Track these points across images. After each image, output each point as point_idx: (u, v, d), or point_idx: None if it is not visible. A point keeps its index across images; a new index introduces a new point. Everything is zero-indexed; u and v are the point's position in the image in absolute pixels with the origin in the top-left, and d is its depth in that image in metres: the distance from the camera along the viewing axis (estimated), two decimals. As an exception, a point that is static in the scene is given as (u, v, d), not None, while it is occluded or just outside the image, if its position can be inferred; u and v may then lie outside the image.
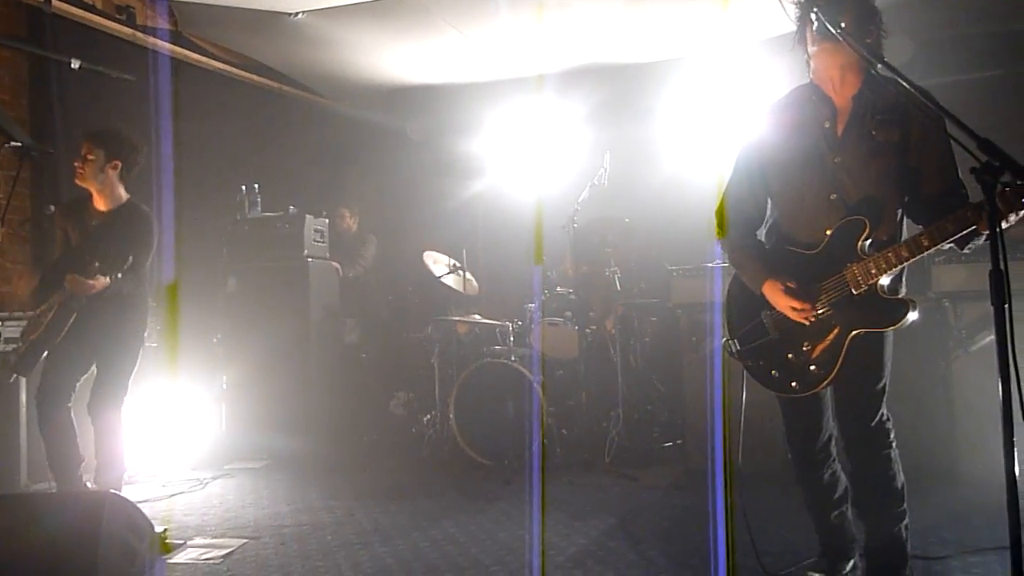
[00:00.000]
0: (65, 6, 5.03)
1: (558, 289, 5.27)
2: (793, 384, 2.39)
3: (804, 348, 2.37)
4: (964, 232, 2.08)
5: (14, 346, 3.92)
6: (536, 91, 6.18)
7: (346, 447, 5.42)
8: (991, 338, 3.94)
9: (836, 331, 2.32)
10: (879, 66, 2.08)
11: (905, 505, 2.43)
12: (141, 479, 4.70)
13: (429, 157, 7.00)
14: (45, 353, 3.74)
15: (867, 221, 2.26)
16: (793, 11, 2.43)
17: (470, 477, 4.63)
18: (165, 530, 3.56)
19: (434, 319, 5.40)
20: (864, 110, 2.32)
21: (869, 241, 2.27)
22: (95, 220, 3.86)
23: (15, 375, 3.88)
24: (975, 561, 2.89)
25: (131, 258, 3.71)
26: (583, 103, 6.14)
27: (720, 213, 2.60)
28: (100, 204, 3.88)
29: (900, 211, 2.35)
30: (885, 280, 2.25)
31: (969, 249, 2.21)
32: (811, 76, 2.44)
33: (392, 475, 4.85)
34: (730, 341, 2.53)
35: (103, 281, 3.64)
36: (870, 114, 2.31)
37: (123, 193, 3.92)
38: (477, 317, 5.32)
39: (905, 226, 2.40)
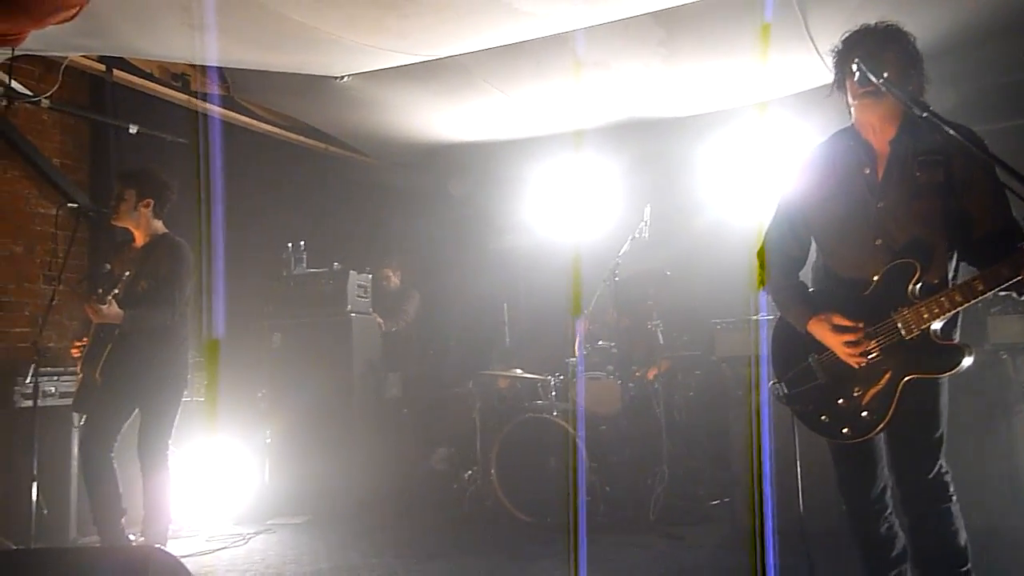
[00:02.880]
0: (125, 75, 5.28)
1: (600, 343, 5.24)
2: (844, 430, 2.33)
3: (855, 393, 2.31)
4: (1020, 277, 2.02)
5: (71, 400, 4.01)
6: (575, 146, 6.25)
7: (388, 503, 5.39)
8: (1052, 391, 3.82)
9: (888, 376, 2.25)
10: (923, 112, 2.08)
11: (969, 565, 2.31)
12: (185, 533, 4.72)
13: (470, 212, 7.10)
14: (95, 391, 3.78)
15: (918, 264, 2.22)
16: (831, 60, 2.45)
17: (512, 534, 4.56)
18: (208, 586, 3.57)
19: (475, 373, 5.40)
20: (905, 153, 2.31)
21: (920, 284, 2.22)
22: (132, 255, 3.97)
23: (78, 415, 3.95)
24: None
25: (164, 288, 3.78)
26: (622, 157, 6.19)
27: (761, 256, 2.59)
28: (138, 240, 4.01)
29: (950, 254, 2.30)
30: (937, 325, 2.19)
31: None
32: (852, 122, 2.44)
33: (434, 532, 4.80)
34: (778, 384, 2.47)
35: (113, 309, 3.66)
36: (911, 157, 2.30)
37: (159, 227, 4.03)
38: (518, 371, 5.30)
39: (958, 270, 2.34)
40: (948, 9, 4.49)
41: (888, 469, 2.42)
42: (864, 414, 2.29)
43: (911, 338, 2.21)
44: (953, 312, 2.17)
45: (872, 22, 2.40)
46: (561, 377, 5.13)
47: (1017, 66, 5.12)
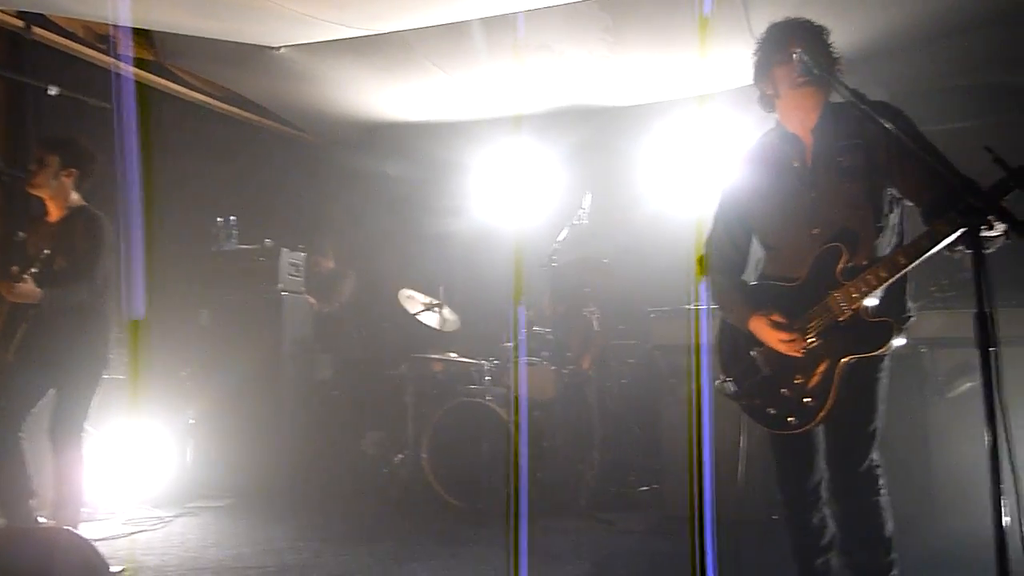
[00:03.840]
0: (46, 33, 4.99)
1: (535, 328, 5.23)
2: (790, 419, 2.35)
3: (796, 382, 2.34)
4: (939, 247, 2.05)
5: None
6: (517, 130, 6.20)
7: (316, 486, 5.28)
8: (969, 385, 3.97)
9: (827, 361, 2.29)
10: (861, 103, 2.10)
11: (894, 555, 2.38)
12: (100, 516, 4.53)
13: (408, 194, 6.99)
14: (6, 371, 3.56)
15: (843, 247, 2.27)
16: (756, 48, 2.45)
17: (443, 519, 4.52)
18: (123, 570, 3.42)
19: (409, 357, 5.32)
20: (827, 140, 2.36)
21: (849, 266, 2.26)
22: (48, 229, 3.72)
23: None
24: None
25: (81, 264, 3.57)
26: (564, 143, 6.17)
27: (704, 261, 2.63)
28: (53, 214, 3.75)
29: (882, 235, 2.32)
30: (870, 302, 2.23)
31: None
32: (778, 119, 2.46)
33: (362, 516, 4.72)
34: (725, 382, 2.50)
35: (28, 287, 3.45)
36: (834, 143, 2.34)
37: (77, 200, 3.77)
38: (453, 355, 5.25)
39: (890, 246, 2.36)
40: (883, 11, 4.61)
41: (824, 461, 2.46)
42: (807, 400, 2.32)
43: (844, 319, 2.25)
44: (881, 286, 2.19)
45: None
46: (496, 362, 5.10)
47: (950, 71, 5.29)
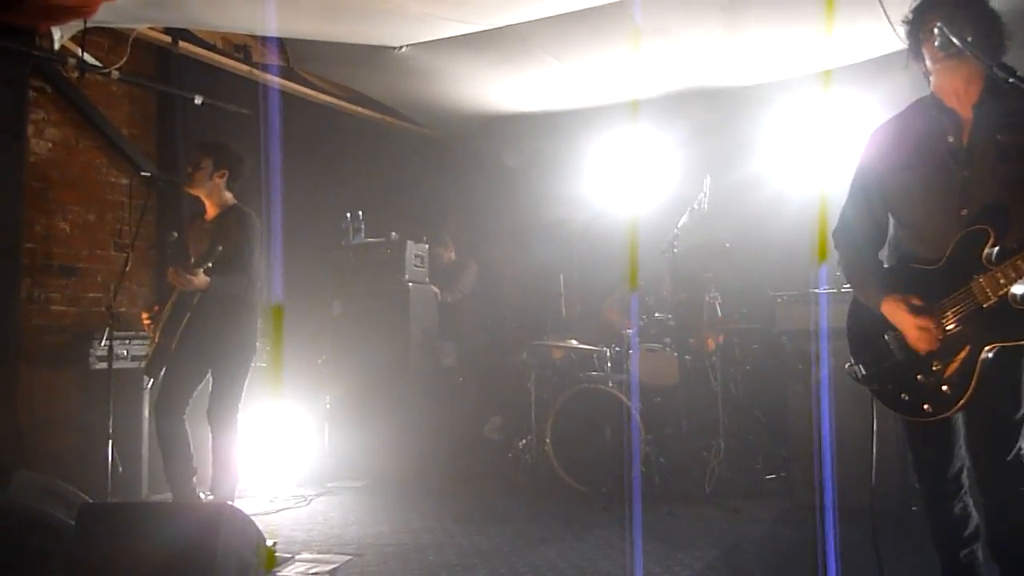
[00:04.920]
0: (190, 47, 5.38)
1: (656, 315, 5.21)
2: (925, 407, 2.26)
3: (934, 368, 2.24)
4: None
5: (143, 363, 4.15)
6: (634, 116, 6.17)
7: (444, 469, 5.48)
8: None
9: (967, 348, 2.17)
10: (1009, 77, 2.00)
11: None
12: (250, 494, 4.89)
13: (526, 183, 7.08)
14: (167, 358, 3.91)
15: (991, 229, 2.14)
16: (905, 28, 2.37)
17: (567, 503, 4.60)
18: (274, 544, 3.68)
19: (530, 344, 5.43)
20: (989, 118, 2.22)
21: (996, 249, 2.14)
22: (205, 226, 4.07)
23: (148, 379, 4.09)
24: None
25: (235, 257, 3.87)
26: (682, 127, 6.08)
27: (837, 234, 2.54)
28: (210, 212, 4.11)
29: None
30: (1019, 289, 2.10)
31: None
32: (932, 89, 2.36)
33: (489, 499, 4.87)
34: (855, 366, 2.41)
35: (202, 278, 3.76)
36: (995, 121, 2.21)
37: (230, 199, 4.12)
38: (574, 342, 5.31)
39: None
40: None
41: (965, 449, 2.36)
42: (944, 388, 2.22)
43: (988, 306, 2.13)
44: None
45: None
46: (617, 349, 5.12)
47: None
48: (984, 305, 2.14)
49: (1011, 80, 2.02)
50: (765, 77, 5.81)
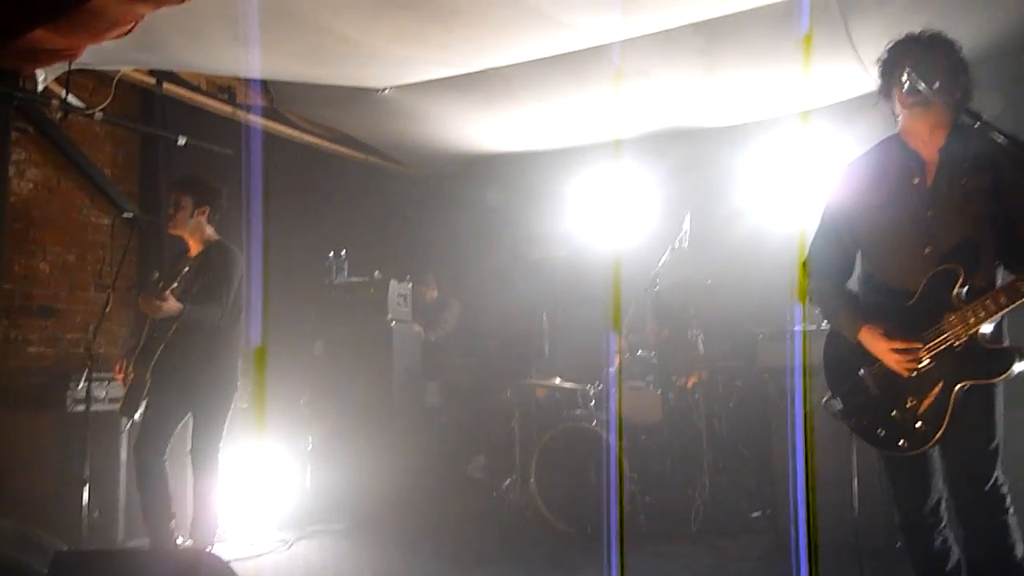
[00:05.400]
0: (174, 88, 5.41)
1: (639, 353, 5.23)
2: (901, 442, 2.30)
3: (908, 405, 2.29)
4: None
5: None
6: (614, 156, 6.25)
7: (427, 510, 5.41)
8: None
9: (940, 385, 2.23)
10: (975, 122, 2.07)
11: None
12: (230, 538, 4.79)
13: (508, 222, 7.13)
14: (145, 391, 3.84)
15: (961, 269, 2.21)
16: (877, 69, 2.45)
17: (552, 544, 4.56)
18: (255, 590, 3.62)
19: (514, 382, 5.41)
20: (952, 160, 2.31)
21: (965, 288, 2.21)
22: (188, 265, 4.02)
23: (125, 419, 4.02)
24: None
25: (213, 288, 3.85)
26: (662, 166, 6.17)
27: (806, 267, 2.60)
28: (193, 249, 4.09)
29: (997, 259, 2.29)
30: (986, 329, 2.17)
31: None
32: (899, 130, 2.43)
33: (474, 540, 4.81)
34: (832, 400, 2.45)
35: (172, 303, 3.71)
36: (960, 164, 2.29)
37: (213, 234, 4.11)
38: (557, 381, 5.30)
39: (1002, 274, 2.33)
40: (993, 14, 4.44)
41: (943, 481, 2.39)
42: (918, 425, 2.26)
43: (960, 344, 2.19)
44: (1000, 314, 2.15)
45: (916, 30, 2.40)
46: (600, 386, 5.12)
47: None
48: (956, 344, 2.20)
49: (977, 125, 2.09)
50: (743, 117, 5.93)
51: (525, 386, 5.35)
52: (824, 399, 2.49)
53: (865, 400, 2.38)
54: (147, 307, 3.76)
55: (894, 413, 2.32)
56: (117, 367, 3.99)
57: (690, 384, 5.12)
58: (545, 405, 5.36)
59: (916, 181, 2.35)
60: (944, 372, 2.23)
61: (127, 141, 5.42)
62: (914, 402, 2.28)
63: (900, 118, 2.41)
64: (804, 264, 2.62)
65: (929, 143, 2.36)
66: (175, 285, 3.76)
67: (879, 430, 2.35)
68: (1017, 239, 2.24)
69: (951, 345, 2.21)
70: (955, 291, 2.22)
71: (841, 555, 3.33)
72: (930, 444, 2.25)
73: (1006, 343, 2.28)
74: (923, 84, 2.19)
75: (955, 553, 2.42)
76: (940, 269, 2.26)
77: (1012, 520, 2.29)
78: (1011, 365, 2.15)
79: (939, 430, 2.22)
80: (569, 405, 5.21)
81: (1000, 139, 2.09)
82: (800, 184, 5.56)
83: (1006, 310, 2.14)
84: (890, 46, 2.41)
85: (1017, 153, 2.11)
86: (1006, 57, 4.71)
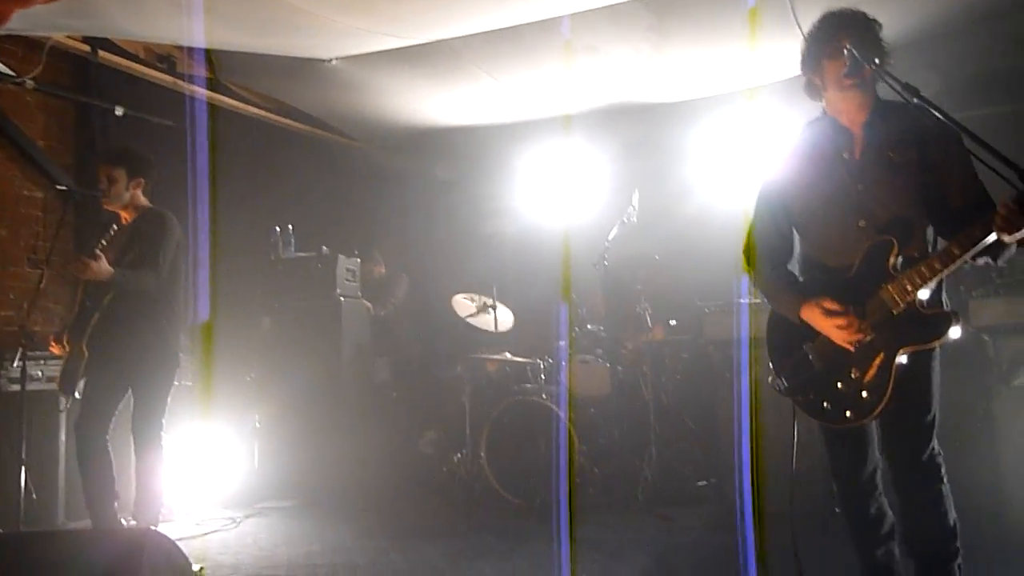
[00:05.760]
0: (110, 56, 5.22)
1: (588, 327, 5.28)
2: (848, 414, 2.35)
3: (852, 376, 2.34)
4: (991, 238, 2.07)
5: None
6: (564, 131, 6.25)
7: (377, 486, 5.41)
8: (1033, 374, 3.90)
9: (882, 354, 2.28)
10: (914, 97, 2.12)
11: (958, 543, 2.38)
12: (175, 517, 4.72)
13: (458, 197, 7.10)
14: (82, 366, 3.73)
15: (895, 239, 2.28)
16: (808, 40, 2.46)
17: (502, 516, 4.60)
18: (201, 568, 3.58)
19: (464, 357, 5.42)
20: (878, 135, 2.37)
21: (900, 259, 2.28)
22: (124, 236, 3.89)
23: (64, 396, 3.89)
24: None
25: (147, 254, 3.75)
26: (611, 142, 6.20)
27: (747, 251, 2.65)
28: (125, 218, 3.94)
29: (930, 228, 2.36)
30: (924, 294, 2.24)
31: (1004, 261, 2.22)
32: (826, 109, 2.48)
33: (424, 515, 4.83)
34: (777, 379, 2.49)
35: (104, 265, 3.59)
36: (885, 139, 2.36)
37: (145, 203, 3.97)
38: (507, 355, 5.32)
39: (936, 243, 2.40)
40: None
41: (879, 451, 2.47)
42: (864, 395, 2.31)
43: (899, 312, 2.26)
44: (935, 279, 2.21)
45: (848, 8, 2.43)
46: (550, 361, 5.16)
47: (998, 53, 5.18)
48: (894, 311, 2.26)
49: (916, 100, 2.14)
50: (692, 93, 5.97)
51: (476, 360, 5.36)
52: (769, 378, 2.53)
53: (810, 375, 2.42)
54: (76, 267, 3.63)
55: (839, 385, 2.37)
56: (52, 339, 3.87)
57: (642, 340, 5.14)
58: (496, 379, 5.38)
59: (845, 156, 2.40)
60: (885, 341, 2.28)
61: (61, 111, 5.22)
62: (858, 373, 2.33)
63: (829, 93, 2.43)
64: (745, 251, 2.66)
65: (856, 119, 2.41)
66: (104, 244, 3.63)
67: (825, 403, 2.40)
68: (949, 208, 2.30)
69: (890, 313, 2.27)
70: (891, 261, 2.28)
71: (780, 522, 3.43)
72: (876, 412, 2.30)
73: (946, 309, 2.34)
74: (864, 65, 2.23)
75: (889, 519, 2.52)
76: (875, 241, 2.32)
77: (946, 488, 2.38)
78: (947, 328, 2.21)
79: (884, 398, 2.27)
80: (520, 379, 5.24)
81: (935, 113, 2.14)
82: (747, 160, 5.65)
83: (941, 275, 2.20)
84: (825, 21, 2.41)
85: (945, 126, 2.16)
86: (942, 39, 4.84)
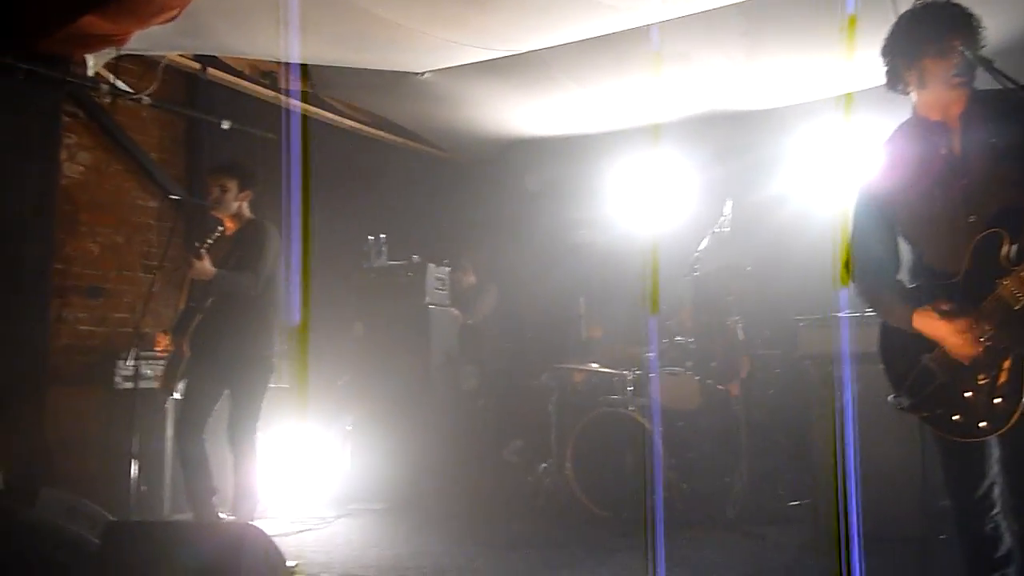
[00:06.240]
0: (218, 73, 5.50)
1: (677, 339, 5.19)
2: (982, 424, 2.19)
3: (981, 382, 2.18)
4: None
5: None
6: (654, 140, 6.19)
7: (463, 493, 5.46)
8: None
9: (1011, 357, 2.12)
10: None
11: None
12: (271, 515, 4.89)
13: (547, 207, 7.11)
14: (183, 364, 3.92)
15: (1003, 231, 2.13)
16: (905, 36, 2.33)
17: (587, 529, 4.57)
18: (296, 565, 3.69)
19: (551, 367, 5.42)
20: (977, 125, 2.23)
21: (1015, 248, 2.11)
22: (227, 244, 4.07)
23: (166, 393, 4.10)
24: None
25: (248, 258, 3.92)
26: (703, 150, 6.10)
27: (848, 263, 2.53)
28: (230, 228, 4.13)
29: None
30: None
31: None
32: (916, 107, 2.36)
33: (510, 523, 4.84)
34: (898, 398, 2.35)
35: (207, 265, 3.76)
36: (984, 125, 2.22)
37: (250, 214, 4.16)
38: (594, 366, 5.29)
39: None
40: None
41: (1002, 472, 2.30)
42: (997, 401, 2.16)
43: (1021, 307, 2.09)
44: None
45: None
46: (638, 372, 5.10)
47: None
48: (1016, 307, 2.10)
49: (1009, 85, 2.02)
50: (785, 101, 5.82)
51: (563, 371, 5.35)
52: (890, 397, 2.39)
53: (934, 388, 2.28)
54: (183, 265, 3.84)
55: (968, 395, 2.21)
56: (158, 339, 4.09)
57: (733, 392, 5.00)
58: (582, 390, 5.35)
59: (944, 152, 2.27)
60: (1012, 340, 2.12)
61: (172, 125, 5.53)
62: (986, 379, 2.17)
63: (924, 92, 2.30)
64: (845, 263, 2.55)
65: (950, 112, 2.28)
66: (209, 243, 3.82)
67: (955, 416, 2.25)
68: None
69: (1011, 310, 2.11)
70: (1003, 254, 2.13)
71: (878, 547, 3.29)
72: (1013, 420, 2.13)
73: None
74: (977, 66, 2.12)
75: (1006, 541, 2.34)
76: (982, 235, 2.17)
77: None
78: None
79: (1021, 401, 2.10)
80: (606, 390, 5.19)
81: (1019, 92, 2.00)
82: (843, 168, 5.45)
83: None
84: (928, 14, 2.27)
85: None
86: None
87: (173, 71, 5.32)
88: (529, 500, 5.22)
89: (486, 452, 5.90)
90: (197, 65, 5.38)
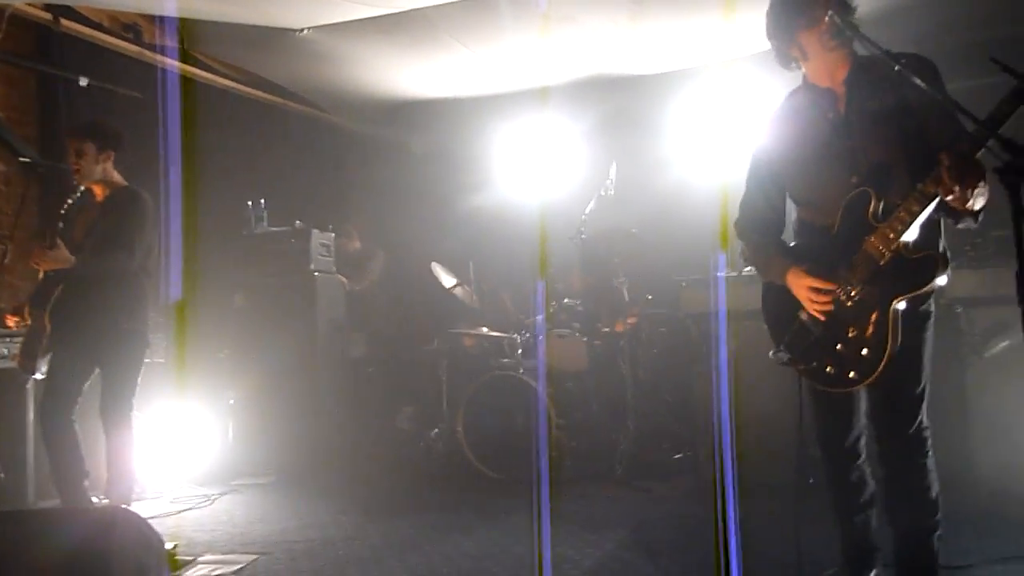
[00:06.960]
0: (73, 25, 5.06)
1: (565, 301, 5.26)
2: (852, 374, 2.31)
3: (851, 335, 2.30)
4: (963, 173, 1.99)
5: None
6: (541, 103, 6.18)
7: (353, 462, 5.38)
8: (1005, 344, 3.94)
9: (877, 309, 2.24)
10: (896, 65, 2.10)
11: (939, 517, 2.39)
12: (149, 495, 4.67)
13: (433, 171, 7.01)
14: (44, 340, 3.60)
15: (871, 190, 2.25)
16: (779, 12, 2.40)
17: (480, 491, 4.60)
18: (175, 546, 3.53)
19: (441, 332, 5.39)
20: (859, 90, 2.34)
21: (881, 206, 2.24)
22: (93, 211, 3.77)
23: (25, 373, 3.76)
24: (1000, 570, 2.85)
25: (117, 234, 3.63)
26: (589, 114, 6.14)
27: (739, 224, 2.65)
28: (98, 196, 3.81)
29: (915, 172, 2.25)
30: (910, 238, 2.19)
31: (963, 224, 2.19)
32: (806, 76, 2.45)
33: (401, 490, 4.82)
34: (779, 352, 2.46)
35: (62, 252, 3.49)
36: (865, 91, 2.33)
37: (120, 179, 3.84)
38: (484, 330, 5.30)
39: None
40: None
41: (868, 422, 2.46)
42: (864, 352, 2.27)
43: (885, 263, 2.21)
44: (917, 221, 2.15)
45: None
46: (527, 335, 5.14)
47: (981, 23, 5.17)
48: (881, 263, 2.22)
49: (898, 66, 2.11)
50: (670, 65, 5.93)
51: (453, 335, 5.33)
52: (772, 352, 2.49)
53: (810, 342, 2.39)
54: (35, 258, 3.52)
55: (839, 347, 2.33)
56: (5, 317, 3.76)
57: (619, 328, 5.15)
58: (473, 354, 5.36)
59: (830, 115, 2.37)
60: (877, 294, 2.24)
61: (22, 81, 5.06)
62: (855, 331, 2.29)
63: (810, 60, 2.38)
64: (736, 224, 2.64)
65: (836, 77, 2.37)
66: (61, 226, 3.51)
67: (828, 368, 2.37)
68: (928, 149, 2.21)
69: (877, 265, 2.23)
70: (870, 211, 2.24)
71: (754, 493, 3.48)
72: (880, 369, 2.25)
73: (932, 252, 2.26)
74: (847, 29, 2.20)
75: (870, 487, 2.52)
76: (851, 195, 2.28)
77: (931, 462, 2.38)
78: (935, 270, 2.17)
79: (886, 352, 2.23)
80: (497, 354, 5.22)
81: (918, 82, 2.10)
82: (726, 132, 5.61)
83: (922, 215, 2.14)
84: None
85: (921, 63, 2.16)
86: (924, 10, 4.83)
87: (20, 21, 4.86)
88: (421, 465, 5.21)
89: (377, 420, 5.83)
90: (48, 16, 4.92)
